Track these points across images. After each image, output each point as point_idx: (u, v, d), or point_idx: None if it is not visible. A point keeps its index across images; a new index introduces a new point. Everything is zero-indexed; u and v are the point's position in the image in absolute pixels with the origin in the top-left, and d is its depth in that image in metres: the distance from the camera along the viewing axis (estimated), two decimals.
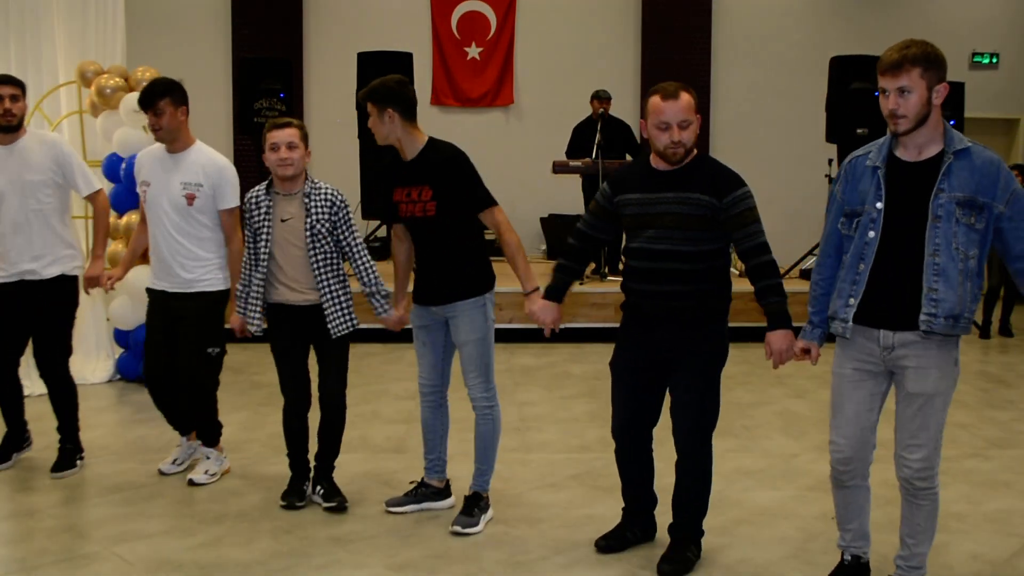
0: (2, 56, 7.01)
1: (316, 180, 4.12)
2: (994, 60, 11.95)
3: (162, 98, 4.34)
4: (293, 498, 4.18)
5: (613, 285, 8.14)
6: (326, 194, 4.09)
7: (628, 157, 9.32)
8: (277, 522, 4.04)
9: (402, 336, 7.28)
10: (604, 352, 6.54)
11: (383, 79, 3.92)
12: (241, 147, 11.36)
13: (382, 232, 9.62)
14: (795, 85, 11.60)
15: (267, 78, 9.45)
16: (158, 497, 4.33)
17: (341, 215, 4.08)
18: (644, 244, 3.48)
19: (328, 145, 11.11)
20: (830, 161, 9.89)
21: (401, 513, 4.10)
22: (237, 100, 10.29)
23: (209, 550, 3.74)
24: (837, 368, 3.22)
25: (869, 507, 3.35)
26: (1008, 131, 12.08)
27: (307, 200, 4.05)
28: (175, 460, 4.66)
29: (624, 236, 3.63)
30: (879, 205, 3.04)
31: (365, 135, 9.56)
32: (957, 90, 9.36)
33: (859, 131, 9.11)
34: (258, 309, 4.14)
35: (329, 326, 4.07)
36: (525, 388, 6.58)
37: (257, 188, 4.16)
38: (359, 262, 4.13)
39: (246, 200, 4.17)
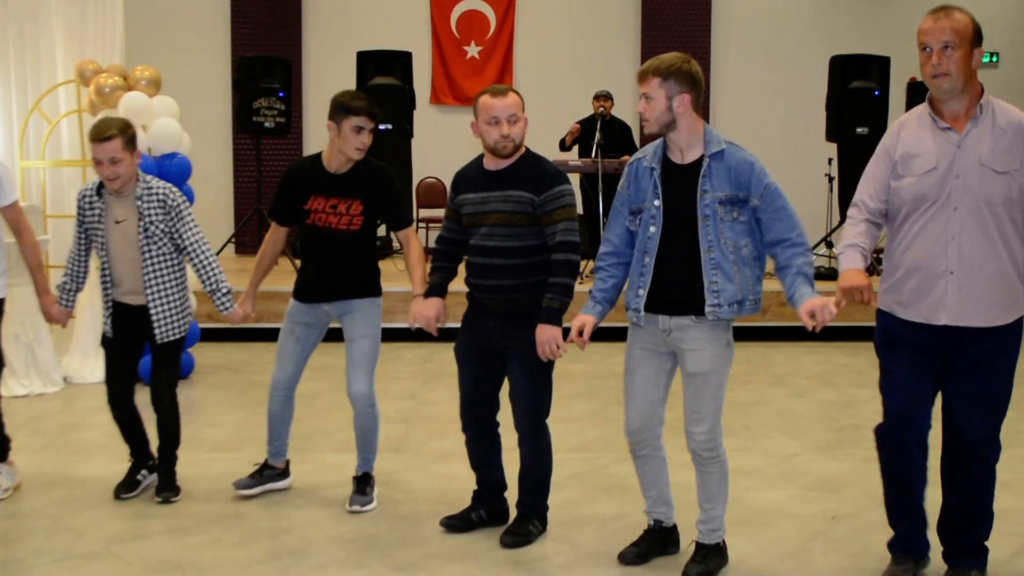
0: (1, 54, 7.01)
1: (149, 179, 4.10)
2: (994, 60, 11.95)
3: None
4: (120, 489, 4.25)
5: None
6: (158, 194, 4.07)
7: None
8: (277, 522, 4.03)
9: (402, 336, 7.25)
10: (604, 352, 6.54)
11: (373, 99, 4.07)
12: (240, 146, 11.36)
13: (381, 231, 9.61)
14: (795, 85, 11.60)
15: (266, 77, 9.46)
16: None
17: (175, 214, 4.08)
18: (478, 241, 3.70)
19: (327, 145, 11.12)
20: (830, 161, 9.89)
21: (250, 496, 4.24)
22: (236, 99, 10.29)
23: (209, 550, 3.74)
24: (628, 350, 3.51)
25: (666, 476, 3.62)
26: None
27: (139, 202, 4.04)
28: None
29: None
30: (657, 203, 3.33)
31: None
32: None
33: (859, 130, 9.12)
34: (109, 311, 4.17)
35: (155, 332, 4.12)
36: None
37: (88, 188, 4.13)
38: (199, 259, 4.14)
39: (78, 199, 4.15)
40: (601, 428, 5.48)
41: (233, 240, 9.98)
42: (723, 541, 3.55)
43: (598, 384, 6.59)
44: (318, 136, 11.38)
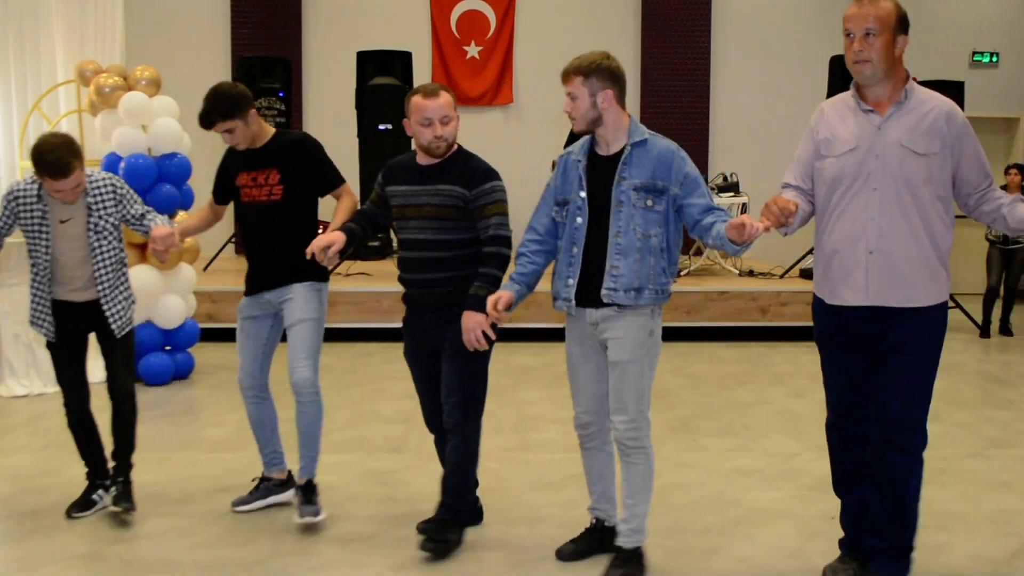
0: (1, 54, 7.02)
1: (90, 172, 3.99)
2: (994, 59, 11.94)
3: None
4: (73, 508, 4.08)
5: None
6: (106, 185, 3.99)
7: None
8: (277, 522, 4.03)
9: (400, 336, 7.23)
10: None
11: (217, 94, 3.90)
12: None
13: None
14: (795, 85, 11.60)
15: (266, 77, 9.47)
16: (157, 497, 4.33)
17: (126, 201, 4.03)
18: (408, 235, 3.72)
19: (327, 144, 11.09)
20: None
21: (248, 511, 4.11)
22: None
23: (209, 550, 3.74)
24: (567, 347, 3.55)
25: (612, 473, 3.64)
26: (1008, 130, 12.07)
27: (89, 198, 3.95)
28: None
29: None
30: (583, 194, 3.41)
31: (365, 134, 9.57)
32: (957, 89, 9.35)
33: None
34: (48, 315, 4.04)
35: (112, 326, 4.04)
36: (524, 387, 6.57)
37: (22, 189, 3.93)
38: (148, 219, 4.05)
39: (9, 198, 3.95)
40: None
41: (233, 240, 9.99)
42: (643, 548, 3.50)
43: None
44: (318, 136, 11.29)
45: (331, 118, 11.12)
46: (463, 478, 3.74)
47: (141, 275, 6.42)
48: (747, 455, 5.02)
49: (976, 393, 6.65)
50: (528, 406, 6.05)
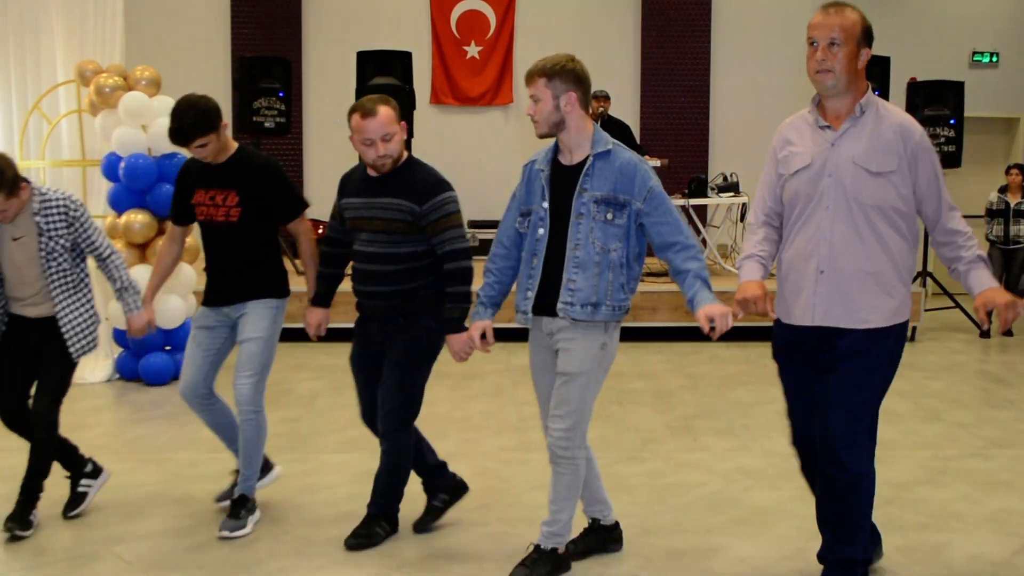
0: (1, 55, 7.02)
1: (44, 191, 3.89)
2: (994, 59, 11.94)
3: None
4: (68, 507, 4.05)
5: None
6: (59, 207, 3.87)
7: None
8: (277, 522, 4.03)
9: None
10: None
11: (191, 109, 3.79)
12: None
13: None
14: (795, 85, 11.59)
15: (266, 77, 9.46)
16: (157, 497, 4.33)
17: (79, 225, 3.90)
18: (359, 247, 3.72)
19: (327, 145, 11.11)
20: None
21: (228, 504, 4.04)
22: (236, 99, 10.30)
23: (209, 550, 3.74)
24: (530, 355, 3.52)
25: (595, 475, 3.60)
26: (1008, 130, 12.07)
27: (39, 218, 3.84)
28: None
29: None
30: (545, 205, 3.35)
31: None
32: (957, 89, 9.35)
33: None
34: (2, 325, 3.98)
35: (71, 349, 3.93)
36: (525, 388, 6.56)
37: None
38: (112, 261, 4.00)
39: None
40: (601, 428, 5.48)
41: None
42: (564, 549, 3.48)
43: None
44: (318, 136, 11.39)
45: (331, 118, 11.11)
46: (391, 480, 3.79)
47: (140, 276, 6.42)
48: (747, 455, 5.02)
49: (976, 393, 6.65)
50: (528, 406, 6.05)
